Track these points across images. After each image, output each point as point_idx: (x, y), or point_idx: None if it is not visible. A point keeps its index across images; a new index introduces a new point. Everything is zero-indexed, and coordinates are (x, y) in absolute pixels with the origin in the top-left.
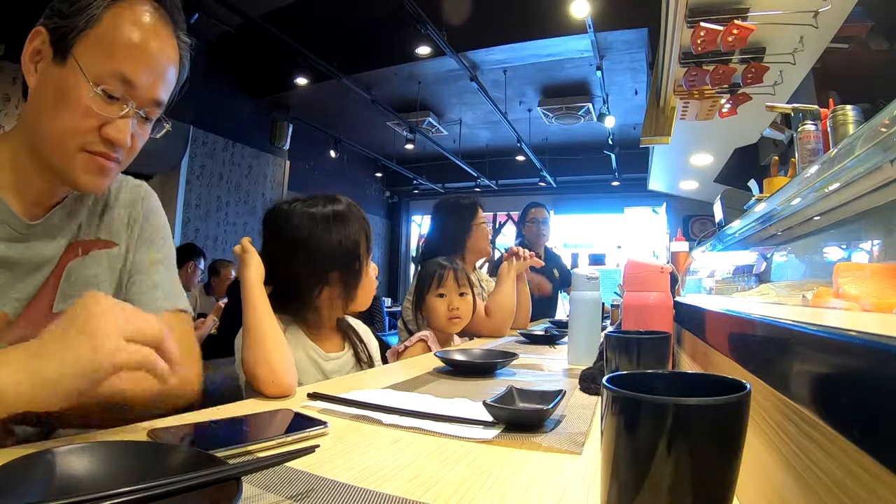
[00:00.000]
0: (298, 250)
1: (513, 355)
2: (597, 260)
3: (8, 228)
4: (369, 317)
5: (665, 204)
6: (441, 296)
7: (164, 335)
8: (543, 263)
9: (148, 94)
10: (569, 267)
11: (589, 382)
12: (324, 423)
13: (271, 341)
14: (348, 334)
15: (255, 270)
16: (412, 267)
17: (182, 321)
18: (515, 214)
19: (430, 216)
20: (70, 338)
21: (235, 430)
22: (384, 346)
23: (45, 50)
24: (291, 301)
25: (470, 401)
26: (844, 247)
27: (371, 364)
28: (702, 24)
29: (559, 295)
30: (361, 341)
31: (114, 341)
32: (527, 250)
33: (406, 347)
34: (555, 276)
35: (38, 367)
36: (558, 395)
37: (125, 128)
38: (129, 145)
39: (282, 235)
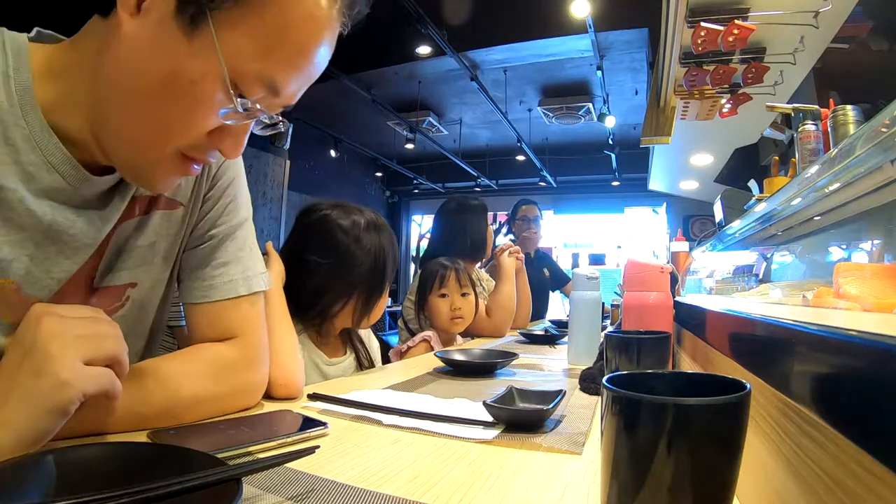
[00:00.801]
0: (333, 262)
1: (513, 355)
2: (597, 260)
3: (57, 178)
4: None
5: (665, 204)
6: (443, 296)
7: (121, 349)
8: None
9: (286, 101)
10: (569, 267)
11: (589, 382)
12: (324, 424)
13: (287, 344)
14: (351, 339)
15: (277, 273)
16: (412, 267)
17: (252, 310)
18: None
19: (432, 216)
20: (27, 381)
21: (236, 431)
22: (385, 346)
23: None
24: (308, 310)
25: (470, 401)
26: (844, 247)
27: (372, 366)
28: (702, 24)
29: (552, 294)
30: (363, 344)
31: (73, 373)
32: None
33: (409, 347)
34: (545, 276)
35: (5, 418)
36: (558, 395)
37: (243, 139)
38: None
39: (319, 244)
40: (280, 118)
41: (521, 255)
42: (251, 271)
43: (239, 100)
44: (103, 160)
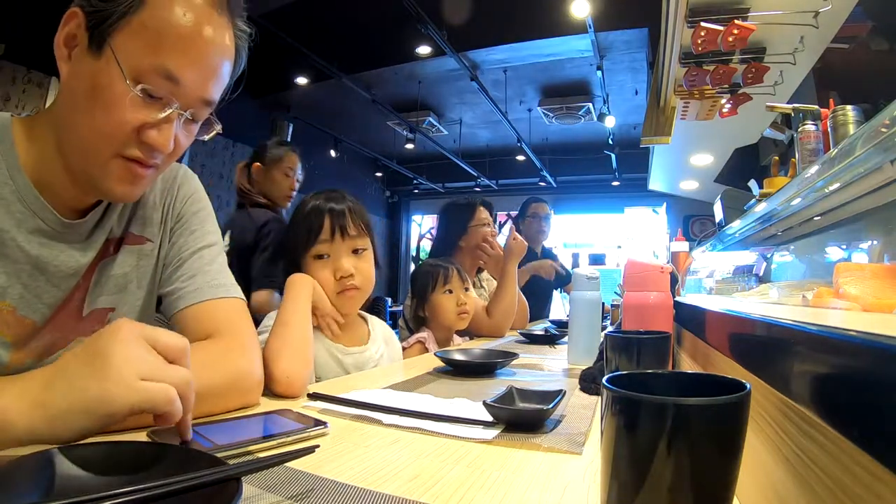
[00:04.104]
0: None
1: (513, 355)
2: (597, 260)
3: (40, 222)
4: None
5: (665, 204)
6: (449, 292)
7: (187, 376)
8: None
9: (196, 92)
10: (569, 267)
11: (589, 382)
12: (324, 424)
13: (296, 343)
14: (371, 331)
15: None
16: (412, 267)
17: (230, 310)
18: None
19: (432, 216)
20: (79, 379)
21: (235, 430)
22: None
23: (81, 35)
24: None
25: (470, 401)
26: (844, 247)
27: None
28: (702, 24)
29: (556, 294)
30: (386, 343)
31: (124, 387)
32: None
33: (404, 349)
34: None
35: (46, 399)
36: (558, 395)
37: (168, 131)
38: (170, 150)
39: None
40: (213, 117)
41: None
42: (217, 281)
43: (139, 86)
44: (87, 200)
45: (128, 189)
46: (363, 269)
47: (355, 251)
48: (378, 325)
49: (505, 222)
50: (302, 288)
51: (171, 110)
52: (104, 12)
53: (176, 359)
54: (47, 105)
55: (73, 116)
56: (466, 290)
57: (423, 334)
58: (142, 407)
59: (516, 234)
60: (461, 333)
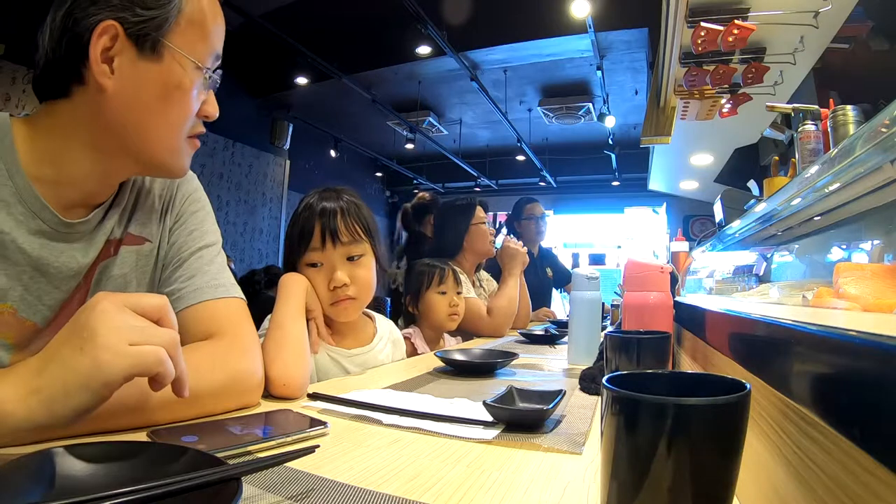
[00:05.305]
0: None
1: (513, 355)
2: (597, 260)
3: (40, 223)
4: None
5: (665, 204)
6: (443, 293)
7: (173, 335)
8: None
9: (220, 60)
10: (569, 267)
11: (589, 382)
12: (324, 424)
13: (292, 344)
14: (377, 330)
15: (300, 281)
16: None
17: (230, 310)
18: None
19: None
20: (70, 357)
21: (235, 430)
22: None
23: (123, 45)
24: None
25: (470, 401)
26: (844, 247)
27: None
28: (702, 24)
29: (555, 295)
30: (393, 345)
31: (115, 354)
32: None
33: None
34: (548, 276)
35: (40, 385)
36: (558, 395)
37: (213, 99)
38: None
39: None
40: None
41: (525, 248)
42: (217, 281)
43: (209, 73)
44: (88, 200)
45: (187, 162)
46: (359, 277)
47: (350, 258)
48: (384, 325)
49: (504, 222)
50: (294, 288)
51: (217, 83)
52: (157, 18)
53: (160, 318)
54: None
55: (149, 118)
56: (459, 293)
57: (410, 330)
58: (134, 371)
59: (508, 238)
60: (454, 333)
